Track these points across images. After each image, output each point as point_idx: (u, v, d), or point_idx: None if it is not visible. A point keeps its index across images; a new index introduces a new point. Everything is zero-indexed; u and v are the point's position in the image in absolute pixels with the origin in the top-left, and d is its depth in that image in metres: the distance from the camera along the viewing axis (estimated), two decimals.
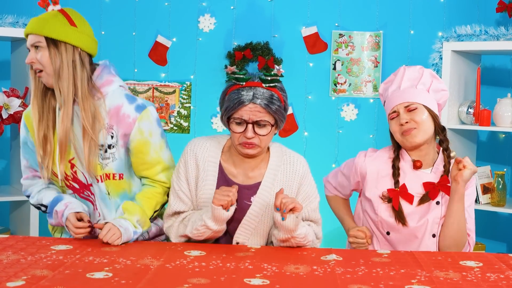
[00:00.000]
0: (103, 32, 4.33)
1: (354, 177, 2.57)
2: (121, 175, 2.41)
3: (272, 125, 2.23)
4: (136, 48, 4.39)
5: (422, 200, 2.43)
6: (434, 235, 2.42)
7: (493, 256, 2.18)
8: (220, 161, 2.34)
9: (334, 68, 4.35)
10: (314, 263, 2.05)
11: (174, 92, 4.40)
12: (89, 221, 2.32)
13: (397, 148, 2.49)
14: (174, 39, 4.41)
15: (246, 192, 2.30)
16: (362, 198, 2.57)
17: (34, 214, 3.59)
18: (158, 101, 4.38)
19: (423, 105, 2.41)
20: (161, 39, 4.39)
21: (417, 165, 2.45)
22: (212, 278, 1.86)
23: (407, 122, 2.39)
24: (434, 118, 2.43)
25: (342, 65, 4.34)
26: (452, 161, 2.43)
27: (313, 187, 2.38)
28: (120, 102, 2.36)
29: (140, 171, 2.44)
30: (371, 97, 4.33)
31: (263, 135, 2.22)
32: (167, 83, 4.40)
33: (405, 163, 2.48)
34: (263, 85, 2.21)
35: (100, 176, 2.37)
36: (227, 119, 2.26)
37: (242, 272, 1.92)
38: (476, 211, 2.79)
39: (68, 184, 2.41)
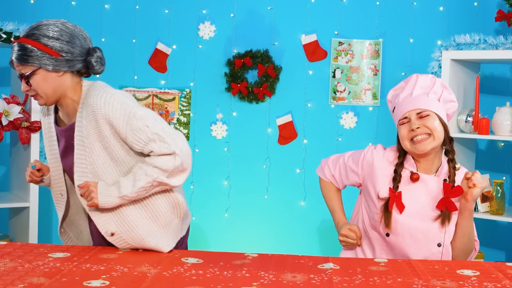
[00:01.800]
0: (103, 39, 4.35)
1: (358, 170, 2.56)
2: None
3: (35, 72, 2.24)
4: (136, 55, 4.40)
5: (444, 218, 2.41)
6: (439, 245, 2.40)
7: (490, 265, 2.18)
8: (58, 114, 2.44)
9: (334, 76, 4.36)
10: (311, 272, 2.05)
11: (173, 99, 4.41)
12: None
13: (403, 154, 2.48)
14: (174, 47, 4.42)
15: (69, 134, 2.36)
16: (364, 196, 2.55)
17: (33, 220, 3.59)
18: (158, 108, 4.39)
19: (435, 113, 2.42)
20: (161, 46, 4.40)
21: (414, 178, 2.44)
22: (209, 286, 1.86)
23: (418, 128, 2.39)
24: (444, 126, 2.44)
25: (341, 73, 4.34)
26: (458, 172, 2.44)
27: (125, 108, 2.26)
28: None
29: None
30: (370, 105, 4.34)
31: (31, 86, 2.27)
32: (166, 90, 4.41)
33: (408, 172, 2.48)
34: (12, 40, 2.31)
35: None
36: None
37: (239, 281, 1.92)
38: (475, 219, 2.79)
39: None
